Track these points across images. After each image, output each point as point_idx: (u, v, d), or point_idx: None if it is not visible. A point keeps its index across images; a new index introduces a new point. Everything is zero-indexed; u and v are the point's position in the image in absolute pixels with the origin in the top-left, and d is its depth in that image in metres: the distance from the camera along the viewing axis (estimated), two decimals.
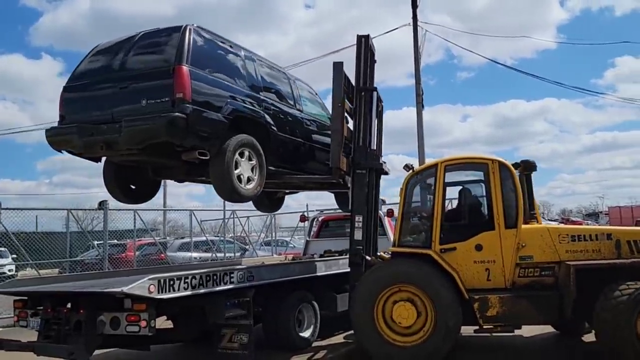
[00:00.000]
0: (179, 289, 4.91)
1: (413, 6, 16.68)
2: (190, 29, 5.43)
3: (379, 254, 6.90)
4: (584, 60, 77.38)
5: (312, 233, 10.42)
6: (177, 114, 5.01)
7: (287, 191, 9.11)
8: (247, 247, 18.31)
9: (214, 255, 15.46)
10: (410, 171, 6.54)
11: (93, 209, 13.58)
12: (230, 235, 18.32)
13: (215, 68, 5.63)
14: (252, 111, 6.00)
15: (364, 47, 6.79)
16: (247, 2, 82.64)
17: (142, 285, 4.56)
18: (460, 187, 6.60)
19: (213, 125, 5.38)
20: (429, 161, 6.64)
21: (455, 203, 6.95)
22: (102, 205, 11.57)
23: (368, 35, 6.87)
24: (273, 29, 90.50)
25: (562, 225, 7.81)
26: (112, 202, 10.86)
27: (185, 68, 5.15)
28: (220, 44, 5.96)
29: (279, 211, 19.76)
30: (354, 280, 6.28)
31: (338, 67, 6.54)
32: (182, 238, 17.14)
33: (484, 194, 6.39)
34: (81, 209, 17.50)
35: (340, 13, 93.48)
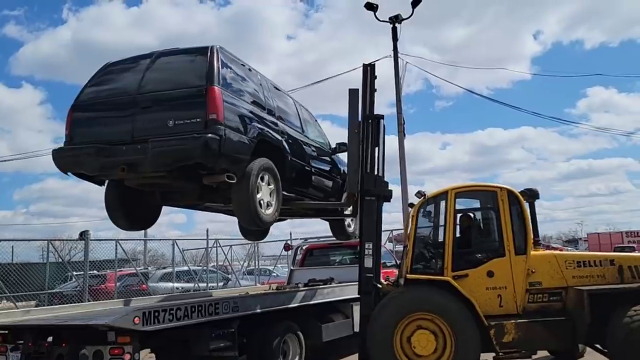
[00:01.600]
0: (164, 321, 4.85)
1: (394, 39, 17.09)
2: (217, 50, 5.37)
3: (386, 282, 6.86)
4: (557, 91, 79.95)
5: (296, 262, 10.39)
6: (211, 135, 4.89)
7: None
8: (229, 276, 18.11)
9: (196, 285, 15.27)
10: (422, 198, 6.59)
11: (73, 239, 13.37)
12: (213, 265, 18.13)
13: (238, 90, 5.62)
14: (272, 135, 5.96)
15: (370, 76, 6.91)
16: (229, 32, 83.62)
17: (126, 317, 4.50)
18: (461, 215, 6.66)
19: (241, 148, 5.31)
20: (438, 189, 6.70)
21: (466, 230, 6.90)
22: (83, 235, 11.41)
23: (374, 64, 7.04)
24: (255, 59, 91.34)
25: (568, 252, 8.02)
26: (93, 232, 10.75)
27: (217, 89, 5.08)
28: (241, 66, 5.95)
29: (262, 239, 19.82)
30: (366, 310, 6.23)
31: (354, 93, 6.65)
32: (164, 268, 16.89)
33: (494, 221, 6.49)
34: (61, 239, 17.19)
35: (321, 44, 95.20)
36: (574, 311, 5.96)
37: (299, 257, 10.47)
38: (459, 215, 6.55)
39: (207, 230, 17.07)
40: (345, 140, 7.11)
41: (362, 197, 6.56)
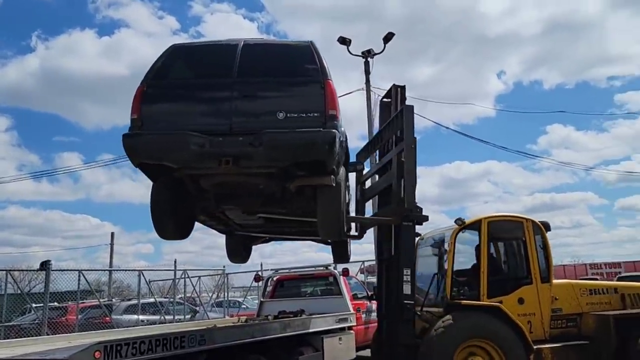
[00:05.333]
0: (126, 355, 4.64)
1: (366, 72, 17.48)
2: (315, 45, 5.06)
3: (426, 309, 6.87)
4: (519, 128, 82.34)
5: (266, 293, 10.22)
6: (335, 131, 4.60)
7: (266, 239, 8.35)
8: (197, 308, 17.65)
9: (162, 317, 14.81)
10: (459, 226, 6.75)
11: (34, 270, 12.83)
12: (180, 296, 17.66)
13: None
14: (345, 143, 5.73)
15: (401, 97, 7.05)
16: None
17: (86, 352, 4.29)
18: (476, 244, 6.88)
19: (343, 149, 5.11)
20: (472, 218, 6.98)
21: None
22: (44, 265, 10.97)
23: (404, 86, 7.19)
24: None
25: (581, 281, 8.62)
26: (55, 262, 10.34)
27: (333, 84, 4.79)
28: None
29: (231, 270, 19.48)
30: (407, 339, 6.17)
31: (410, 109, 6.63)
32: (129, 300, 16.34)
33: (522, 250, 6.84)
34: (20, 270, 16.51)
35: None
36: (596, 335, 6.49)
37: (269, 288, 10.31)
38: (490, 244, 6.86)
39: (175, 261, 16.69)
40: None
41: (400, 221, 6.47)
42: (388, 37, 16.97)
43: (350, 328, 8.25)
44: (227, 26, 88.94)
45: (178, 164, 4.75)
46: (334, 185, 5.09)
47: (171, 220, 5.34)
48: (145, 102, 4.74)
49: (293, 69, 4.93)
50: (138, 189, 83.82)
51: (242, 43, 5.06)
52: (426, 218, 6.51)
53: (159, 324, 12.91)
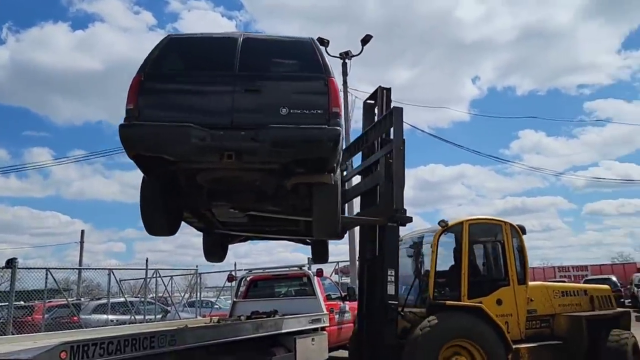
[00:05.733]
0: (94, 356, 4.53)
1: (344, 74, 17.54)
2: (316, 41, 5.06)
3: (407, 310, 6.94)
4: (493, 132, 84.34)
5: (239, 293, 10.14)
6: (339, 128, 4.58)
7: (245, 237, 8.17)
8: (169, 308, 17.40)
9: (132, 317, 14.56)
10: (443, 227, 6.87)
11: None
12: (151, 296, 17.39)
13: None
14: None
15: (386, 99, 7.10)
16: None
17: (52, 352, 4.18)
18: (453, 246, 7.01)
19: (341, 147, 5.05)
20: (454, 219, 7.14)
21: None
22: (10, 263, 10.65)
23: (389, 88, 7.23)
24: None
25: (554, 283, 9.16)
26: (22, 260, 10.04)
27: (336, 82, 4.78)
28: None
29: (204, 270, 19.29)
30: (390, 339, 6.20)
31: (399, 111, 6.67)
32: (98, 299, 16.00)
33: (500, 252, 7.01)
34: None
35: None
36: (569, 335, 6.80)
37: (242, 288, 10.23)
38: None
39: (147, 260, 16.37)
40: None
41: (384, 222, 6.51)
42: (366, 40, 17.06)
43: (323, 329, 8.24)
44: (205, 23, 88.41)
45: (177, 157, 4.60)
46: (333, 183, 5.08)
47: (161, 215, 5.22)
48: (143, 92, 4.58)
49: (296, 65, 4.91)
50: (110, 185, 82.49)
51: (242, 37, 5.00)
52: (410, 219, 6.59)
53: (129, 323, 12.69)
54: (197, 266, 18.23)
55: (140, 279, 17.47)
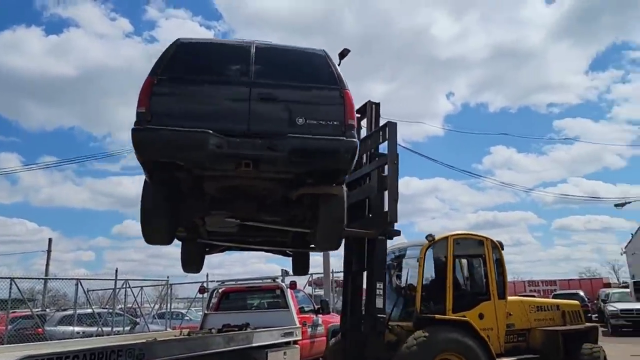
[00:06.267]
0: None
1: None
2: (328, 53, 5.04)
3: (393, 323, 6.95)
4: (466, 147, 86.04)
5: (211, 305, 9.98)
6: (356, 140, 4.62)
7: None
8: (138, 320, 17.01)
9: (99, 329, 14.18)
10: (430, 242, 6.96)
11: None
12: (120, 307, 16.98)
13: None
14: None
15: (375, 113, 7.11)
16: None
17: None
18: (438, 261, 7.14)
19: None
20: (440, 234, 7.27)
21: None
22: None
23: (378, 103, 7.27)
24: None
25: (530, 298, 9.36)
26: None
27: (351, 94, 4.79)
28: None
29: (175, 281, 18.96)
30: (376, 351, 6.20)
31: (393, 126, 6.68)
32: (64, 310, 15.54)
33: (482, 267, 7.18)
34: None
35: None
36: (545, 349, 7.09)
37: (214, 300, 10.07)
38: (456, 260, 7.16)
39: (117, 270, 16.00)
40: None
41: (374, 236, 6.51)
42: (344, 53, 17.12)
43: (295, 342, 8.16)
44: (183, 32, 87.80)
45: (192, 163, 4.50)
46: (341, 195, 5.09)
47: (163, 224, 5.03)
48: (155, 95, 4.42)
49: (311, 76, 4.86)
50: (81, 193, 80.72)
51: (254, 44, 4.94)
52: (398, 233, 6.65)
53: (96, 336, 12.34)
54: (168, 277, 17.93)
55: (109, 289, 17.08)
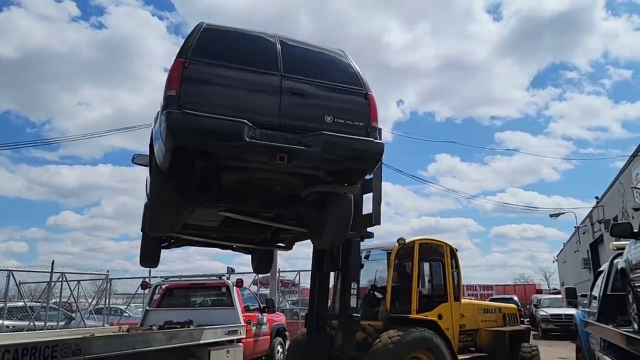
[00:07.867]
0: None
1: None
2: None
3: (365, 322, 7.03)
4: (412, 154, 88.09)
5: (153, 301, 9.74)
6: (383, 142, 4.81)
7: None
8: (74, 315, 16.32)
9: (31, 324, 13.52)
10: (401, 245, 7.30)
11: None
12: (54, 301, 16.22)
13: None
14: None
15: None
16: (102, 55, 76.16)
17: None
18: (404, 264, 7.57)
19: None
20: (409, 239, 7.60)
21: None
22: None
23: None
24: (128, 86, 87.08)
25: (479, 301, 10.32)
26: None
27: (374, 97, 4.87)
28: None
29: (115, 275, 18.36)
30: (350, 350, 6.32)
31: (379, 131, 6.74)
32: None
33: (441, 270, 7.65)
34: None
35: None
36: (494, 348, 7.80)
37: (156, 296, 9.84)
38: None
39: (53, 262, 15.24)
40: None
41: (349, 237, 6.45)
42: None
43: (239, 340, 8.10)
44: (133, 21, 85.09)
45: (225, 153, 4.33)
46: (352, 195, 5.19)
47: (169, 215, 4.86)
48: (186, 78, 4.19)
49: (336, 76, 4.84)
50: (15, 181, 76.60)
51: (278, 38, 4.83)
52: (371, 235, 6.86)
53: (28, 330, 11.76)
54: (107, 271, 17.30)
55: (44, 282, 16.28)
